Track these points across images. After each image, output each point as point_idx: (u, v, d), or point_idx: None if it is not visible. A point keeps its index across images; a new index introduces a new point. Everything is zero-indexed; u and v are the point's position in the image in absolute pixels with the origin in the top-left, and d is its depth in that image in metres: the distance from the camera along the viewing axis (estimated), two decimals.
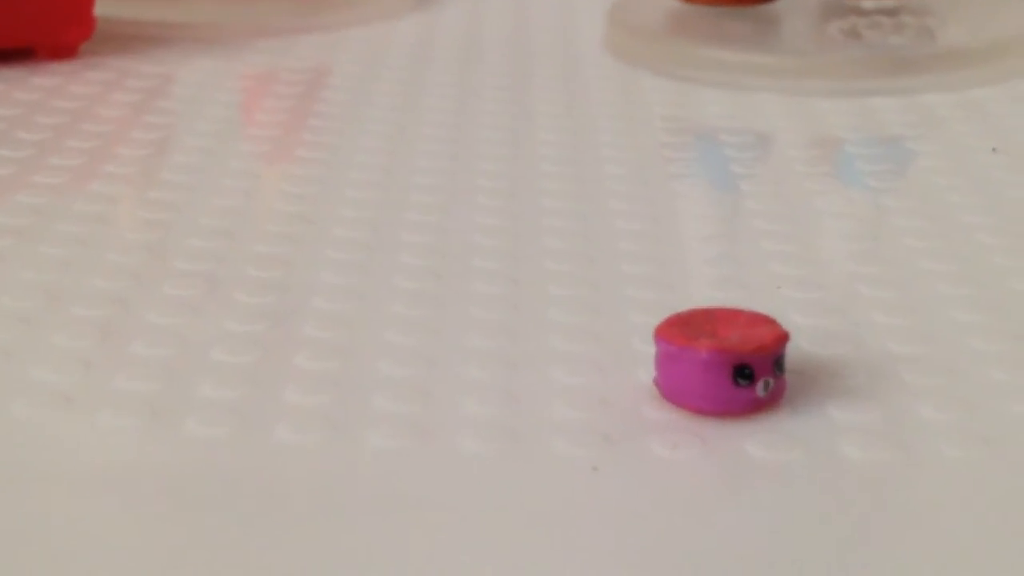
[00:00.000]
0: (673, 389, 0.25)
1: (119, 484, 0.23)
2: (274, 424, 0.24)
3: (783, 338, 0.25)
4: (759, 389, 0.24)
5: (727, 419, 0.24)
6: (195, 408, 0.25)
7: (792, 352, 0.26)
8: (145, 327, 0.28)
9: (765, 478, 0.23)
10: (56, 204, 0.33)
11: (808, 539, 0.22)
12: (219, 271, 0.30)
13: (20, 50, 0.43)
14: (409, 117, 0.39)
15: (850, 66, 0.41)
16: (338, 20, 0.47)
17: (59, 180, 0.35)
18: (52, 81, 0.42)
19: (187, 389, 0.25)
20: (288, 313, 0.28)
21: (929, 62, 0.41)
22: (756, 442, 0.24)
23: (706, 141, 0.38)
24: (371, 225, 0.32)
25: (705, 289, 0.29)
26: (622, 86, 0.42)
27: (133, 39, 0.45)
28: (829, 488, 0.23)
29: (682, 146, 0.38)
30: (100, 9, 0.43)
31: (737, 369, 0.24)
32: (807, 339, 0.27)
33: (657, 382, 0.25)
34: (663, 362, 0.25)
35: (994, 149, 0.37)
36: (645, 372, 0.26)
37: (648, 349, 0.25)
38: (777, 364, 0.24)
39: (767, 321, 0.25)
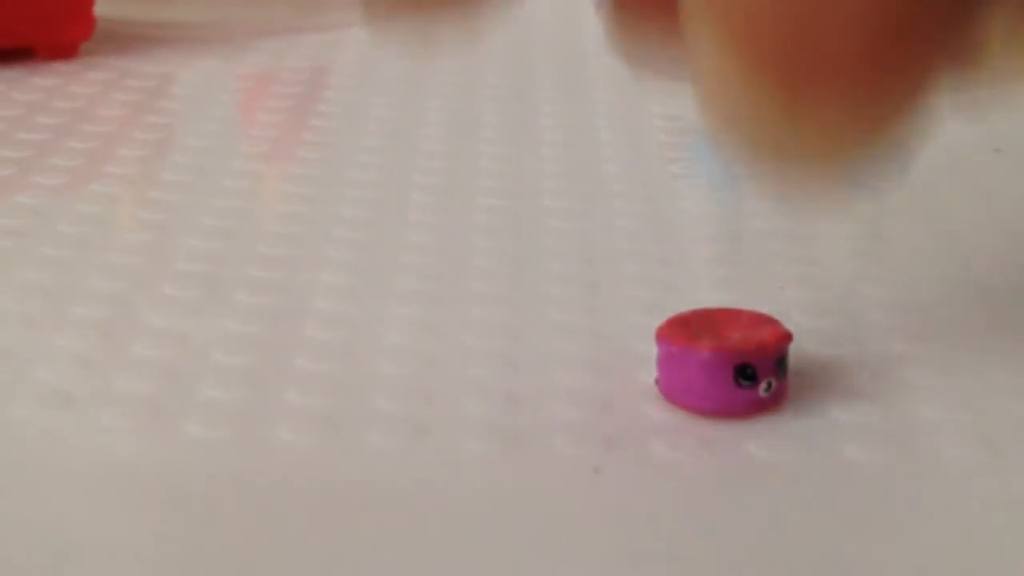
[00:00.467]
0: (674, 390, 0.25)
1: (119, 485, 0.23)
2: (275, 424, 0.24)
3: (786, 338, 0.25)
4: (761, 390, 0.24)
5: (729, 420, 0.24)
6: (196, 409, 0.25)
7: (794, 352, 0.26)
8: (145, 328, 0.28)
9: (766, 478, 0.23)
10: (56, 204, 0.33)
11: (809, 539, 0.22)
12: (219, 271, 0.30)
13: (20, 50, 0.43)
14: (409, 117, 0.39)
15: None
16: (338, 20, 0.47)
17: (59, 180, 0.35)
18: (52, 81, 0.41)
19: (187, 390, 0.25)
20: (289, 313, 0.28)
21: None
22: (758, 443, 0.24)
23: (707, 141, 0.38)
24: (371, 225, 0.32)
25: (706, 289, 0.29)
26: (622, 85, 0.42)
27: (133, 39, 0.45)
28: (831, 488, 0.23)
29: (683, 146, 0.38)
30: (100, 9, 0.43)
31: (738, 369, 0.24)
32: (809, 339, 0.27)
33: (658, 383, 0.25)
34: (664, 363, 0.25)
35: (997, 150, 0.37)
36: (647, 373, 0.26)
37: (649, 350, 0.25)
38: (779, 364, 0.24)
39: (769, 321, 0.25)
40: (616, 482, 0.23)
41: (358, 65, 0.44)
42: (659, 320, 0.25)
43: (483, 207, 0.33)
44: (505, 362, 0.26)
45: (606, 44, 0.26)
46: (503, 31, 0.48)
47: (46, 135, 0.38)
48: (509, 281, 0.29)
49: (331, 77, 0.43)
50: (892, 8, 0.18)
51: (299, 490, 0.23)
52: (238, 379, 0.26)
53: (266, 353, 0.27)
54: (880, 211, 0.34)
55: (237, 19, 0.47)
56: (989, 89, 0.22)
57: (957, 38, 0.21)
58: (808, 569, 0.21)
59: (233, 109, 0.41)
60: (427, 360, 0.26)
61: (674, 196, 0.35)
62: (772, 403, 0.24)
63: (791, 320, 0.28)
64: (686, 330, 0.25)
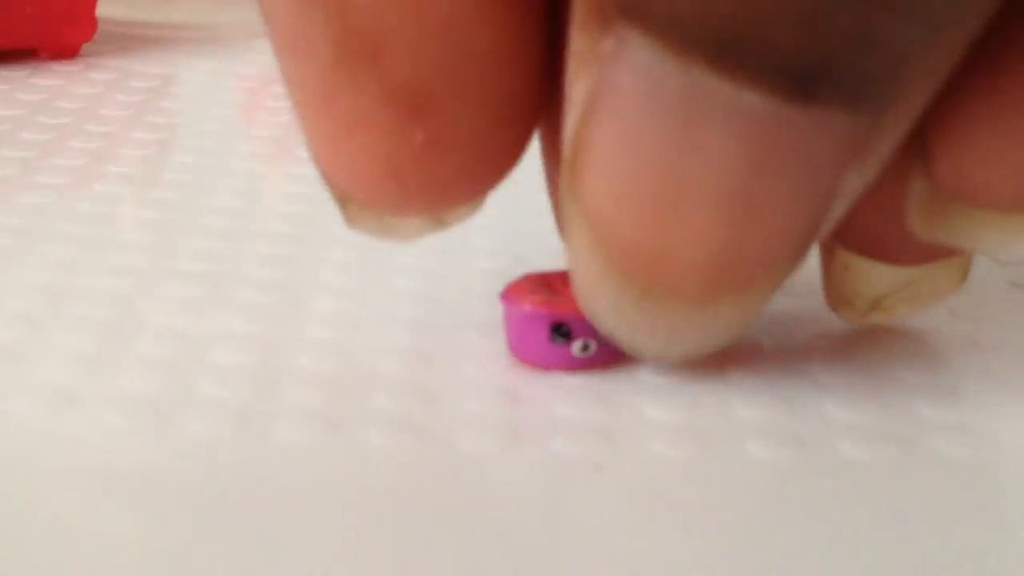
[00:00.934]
0: (510, 344, 0.26)
1: (121, 483, 0.23)
2: (276, 423, 0.24)
3: None
4: (576, 348, 0.25)
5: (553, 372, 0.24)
6: (198, 408, 0.25)
7: (789, 348, 0.26)
8: (148, 327, 0.28)
9: (763, 476, 0.23)
10: (59, 204, 0.33)
11: (805, 537, 0.22)
12: (221, 270, 0.30)
13: (22, 51, 0.43)
14: None
15: None
16: None
17: (62, 180, 0.35)
18: (54, 82, 0.42)
19: (189, 389, 0.26)
20: (290, 312, 0.28)
21: None
22: (755, 441, 0.24)
23: None
24: None
25: None
26: None
27: (135, 40, 0.45)
28: (827, 486, 0.23)
29: None
30: (102, 10, 0.43)
31: (554, 327, 0.25)
32: (805, 335, 0.27)
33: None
34: (505, 316, 0.26)
35: None
36: (645, 370, 0.26)
37: None
38: None
39: None
40: (617, 479, 0.23)
41: None
42: None
43: (483, 207, 0.33)
44: (505, 360, 0.26)
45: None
46: None
47: (48, 135, 0.38)
48: (509, 280, 0.29)
49: None
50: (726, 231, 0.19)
51: (300, 488, 0.23)
52: (240, 378, 0.26)
53: (268, 352, 0.27)
54: None
55: (238, 20, 0.47)
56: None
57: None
58: (803, 565, 0.21)
59: (234, 109, 0.41)
60: (428, 359, 0.27)
61: None
62: (595, 365, 0.26)
63: (786, 316, 0.28)
64: (532, 287, 0.26)
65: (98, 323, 0.28)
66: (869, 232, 0.24)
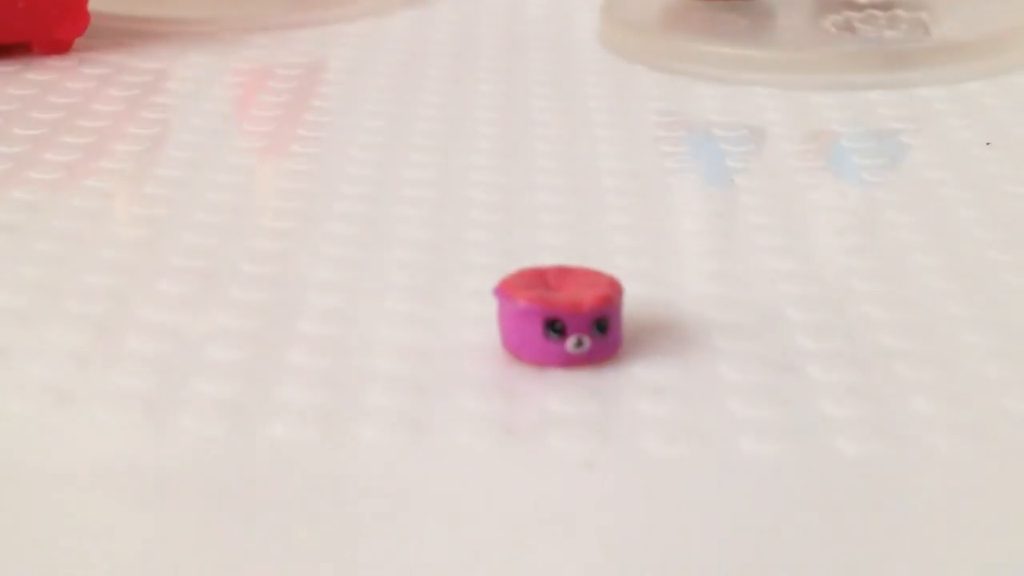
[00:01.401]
0: (504, 339, 0.26)
1: (113, 480, 0.23)
2: (269, 420, 0.24)
3: (605, 300, 0.26)
4: (570, 345, 0.25)
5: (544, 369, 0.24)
6: (190, 404, 0.25)
7: (786, 347, 0.26)
8: (140, 323, 0.28)
9: (757, 472, 0.23)
10: (51, 200, 0.33)
11: (800, 534, 0.22)
12: (214, 266, 0.30)
13: (15, 46, 0.43)
14: (403, 112, 0.39)
15: (844, 60, 0.41)
16: (332, 15, 0.47)
17: (54, 176, 0.35)
18: (46, 77, 0.42)
19: (182, 385, 0.25)
20: (283, 308, 0.28)
21: (923, 56, 0.41)
22: (749, 437, 0.24)
23: (700, 135, 0.38)
24: (366, 220, 0.32)
25: (699, 283, 0.29)
26: (616, 81, 0.42)
27: (127, 34, 0.45)
28: (822, 483, 0.23)
29: (677, 141, 0.38)
30: (94, 4, 0.43)
31: (549, 323, 0.25)
32: (801, 333, 0.27)
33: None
34: (498, 311, 0.26)
35: (988, 143, 0.37)
36: (641, 367, 0.26)
37: (644, 344, 0.25)
38: (598, 324, 0.26)
39: (608, 284, 0.26)
40: (608, 476, 0.23)
41: (352, 60, 0.44)
42: (653, 316, 0.25)
43: (477, 202, 0.33)
44: (499, 357, 0.26)
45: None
46: (497, 24, 0.48)
47: (41, 130, 0.38)
48: (501, 276, 0.29)
49: (325, 72, 0.43)
50: None
51: (293, 484, 0.23)
52: (232, 374, 0.26)
53: (260, 348, 0.27)
54: (872, 206, 0.34)
55: (231, 14, 0.47)
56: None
57: None
58: (797, 562, 0.21)
59: (228, 104, 0.41)
60: (421, 355, 0.27)
61: (669, 190, 0.35)
62: (591, 360, 0.26)
63: (782, 314, 0.28)
64: (526, 282, 0.26)
65: (90, 319, 0.28)
66: None
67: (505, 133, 0.38)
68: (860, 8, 0.44)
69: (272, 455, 0.24)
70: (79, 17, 0.43)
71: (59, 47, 0.43)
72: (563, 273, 0.27)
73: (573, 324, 0.25)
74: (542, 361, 0.26)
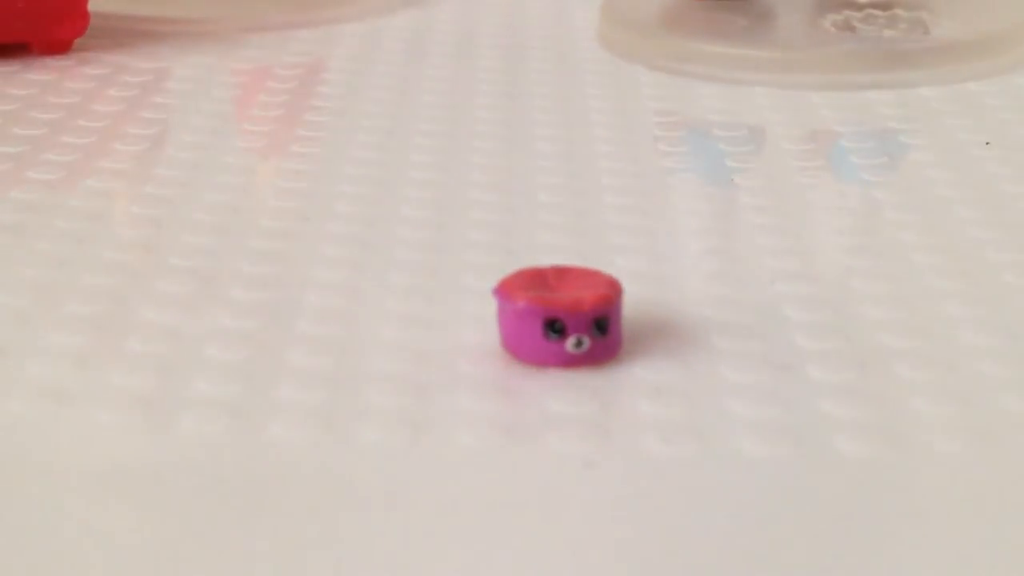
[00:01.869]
0: (504, 339, 0.26)
1: (113, 480, 0.23)
2: (268, 420, 0.24)
3: (605, 300, 0.26)
4: (569, 344, 0.25)
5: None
6: (189, 404, 0.25)
7: (784, 346, 0.26)
8: (140, 323, 0.28)
9: (757, 472, 0.23)
10: (51, 200, 0.33)
11: (800, 534, 0.22)
12: (213, 267, 0.30)
13: (14, 46, 0.43)
14: (403, 112, 0.39)
15: (844, 60, 0.41)
16: (332, 15, 0.47)
17: (54, 176, 0.35)
18: (46, 77, 0.42)
19: (181, 385, 0.25)
20: (282, 308, 0.28)
21: (923, 56, 0.41)
22: (749, 437, 0.24)
23: (700, 135, 0.38)
24: (365, 220, 0.32)
25: (699, 283, 0.29)
26: (616, 80, 0.42)
27: (127, 34, 0.45)
28: (822, 483, 0.23)
29: (676, 140, 0.38)
30: (94, 5, 0.43)
31: (548, 323, 0.25)
32: (800, 333, 0.27)
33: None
34: (498, 312, 0.26)
35: (987, 143, 0.37)
36: (641, 367, 0.26)
37: (644, 344, 0.25)
38: (597, 324, 0.26)
39: (607, 283, 0.26)
40: (608, 476, 0.23)
41: (352, 61, 0.44)
42: (653, 316, 0.25)
43: (477, 202, 0.33)
44: (499, 357, 0.26)
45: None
46: (497, 24, 0.48)
47: (41, 131, 0.38)
48: (500, 276, 0.29)
49: (325, 73, 0.43)
50: None
51: (292, 484, 0.23)
52: (231, 374, 0.26)
53: (259, 348, 0.27)
54: (871, 205, 0.34)
55: (231, 15, 0.47)
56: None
57: None
58: (797, 562, 0.21)
59: (227, 104, 0.41)
60: (421, 355, 0.27)
61: (668, 190, 0.35)
62: (590, 360, 0.26)
63: (782, 314, 0.28)
64: (525, 283, 0.26)
65: (90, 319, 0.28)
66: None
67: (505, 133, 0.38)
68: (860, 8, 0.44)
69: (272, 455, 0.24)
70: (79, 17, 0.43)
71: (59, 47, 0.43)
72: (563, 273, 0.27)
73: (573, 324, 0.25)
74: (542, 361, 0.26)
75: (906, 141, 0.37)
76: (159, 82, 0.42)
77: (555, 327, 0.26)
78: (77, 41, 0.43)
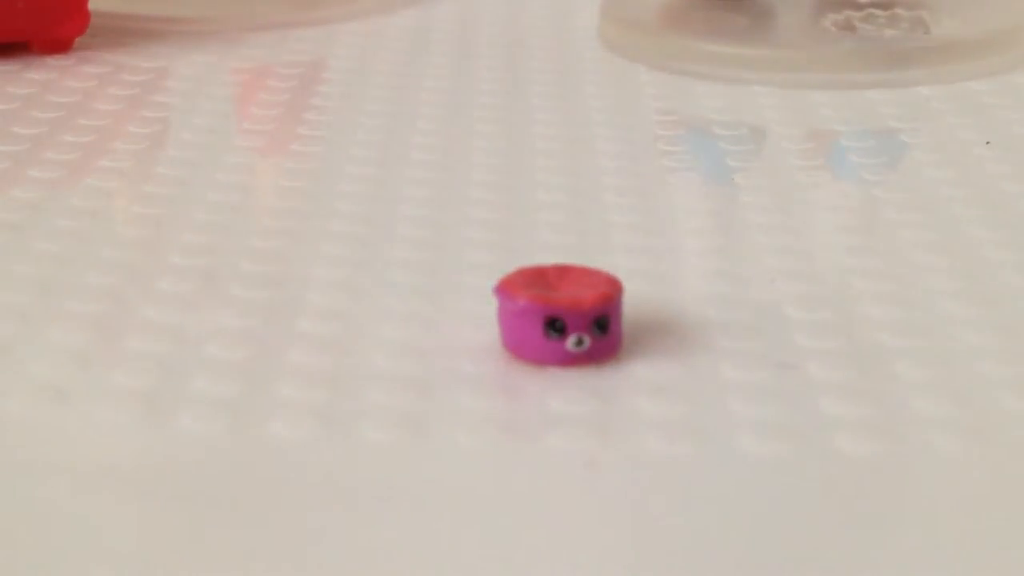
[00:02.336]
0: (504, 337, 0.26)
1: (113, 479, 0.23)
2: (269, 419, 0.24)
3: (605, 299, 0.26)
4: (570, 343, 0.25)
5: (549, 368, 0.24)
6: (190, 403, 0.25)
7: (785, 345, 0.26)
8: (140, 322, 0.28)
9: (758, 471, 0.23)
10: (51, 199, 0.33)
11: (800, 532, 0.22)
12: (214, 265, 0.30)
13: (15, 45, 0.43)
14: (403, 111, 0.39)
15: (844, 59, 0.41)
16: (332, 14, 0.47)
17: (54, 175, 0.35)
18: (47, 76, 0.42)
19: (182, 384, 0.25)
20: (283, 307, 0.28)
21: (923, 55, 0.41)
22: (749, 436, 0.24)
23: (700, 134, 0.38)
24: (366, 219, 0.32)
25: (699, 282, 0.29)
26: (616, 79, 0.42)
27: (128, 33, 0.45)
28: (822, 482, 0.23)
29: (676, 139, 0.38)
30: (94, 4, 0.43)
31: (549, 321, 0.25)
32: (801, 332, 0.27)
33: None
34: (498, 310, 0.26)
35: (988, 142, 0.37)
36: (641, 366, 0.26)
37: (644, 343, 0.25)
38: (598, 323, 0.26)
39: (608, 282, 0.26)
40: (609, 476, 0.23)
41: (352, 60, 0.44)
42: (653, 315, 0.25)
43: (477, 201, 0.33)
44: (499, 356, 0.26)
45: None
46: (497, 24, 0.48)
47: (41, 129, 0.38)
48: (501, 274, 0.29)
49: (325, 71, 0.43)
50: None
51: (293, 483, 0.23)
52: (232, 373, 0.26)
53: (260, 347, 0.27)
54: (871, 205, 0.34)
55: (231, 13, 0.47)
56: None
57: None
58: (797, 561, 0.21)
59: (228, 103, 0.41)
60: (421, 353, 0.27)
61: (668, 189, 0.35)
62: (591, 359, 0.26)
63: (782, 313, 0.28)
64: (526, 281, 0.26)
65: (90, 318, 0.28)
66: None
67: (505, 132, 0.38)
68: (860, 7, 0.44)
69: (272, 454, 0.24)
70: (80, 16, 0.43)
71: (60, 46, 0.43)
72: (563, 272, 0.27)
73: (573, 323, 0.25)
74: (542, 360, 0.26)
75: (906, 141, 0.37)
76: (159, 81, 0.42)
77: (555, 326, 0.26)
78: (78, 40, 0.43)
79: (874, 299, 0.29)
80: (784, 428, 0.24)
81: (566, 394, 0.25)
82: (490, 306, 0.27)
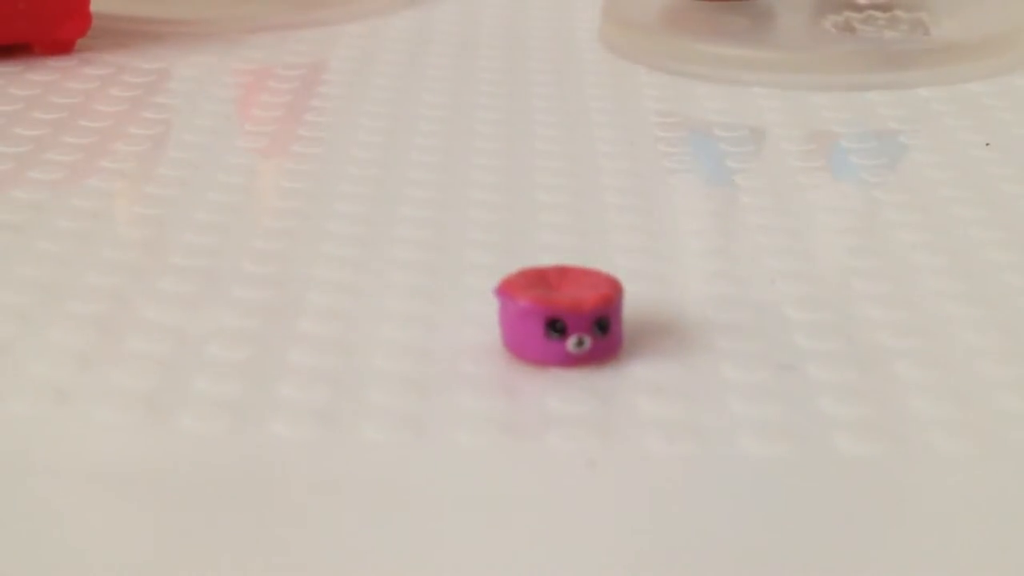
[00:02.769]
0: (505, 338, 0.26)
1: (115, 479, 0.23)
2: (270, 419, 0.24)
3: (606, 300, 0.26)
4: (570, 344, 0.26)
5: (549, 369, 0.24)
6: (191, 403, 0.25)
7: (785, 346, 0.26)
8: (141, 322, 0.28)
9: (758, 472, 0.23)
10: (53, 200, 0.33)
11: (800, 533, 0.22)
12: (215, 266, 0.30)
13: (17, 46, 0.43)
14: (404, 112, 0.39)
15: (844, 60, 0.41)
16: (333, 16, 0.47)
17: (56, 176, 0.35)
18: (48, 77, 0.42)
19: (183, 384, 0.25)
20: (284, 307, 0.28)
21: (923, 56, 0.41)
22: (749, 436, 0.24)
23: (701, 136, 0.38)
24: (367, 220, 0.32)
25: (699, 283, 0.29)
26: (617, 81, 0.42)
27: (129, 35, 0.45)
28: (822, 482, 0.23)
29: (677, 141, 0.38)
30: (96, 5, 0.43)
31: (550, 322, 0.25)
32: (801, 332, 0.27)
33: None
34: (499, 311, 0.26)
35: (988, 144, 0.37)
36: (642, 367, 0.26)
37: (645, 344, 0.26)
38: (598, 324, 0.26)
39: (608, 283, 0.26)
40: (610, 475, 0.23)
41: (353, 61, 0.44)
42: (653, 315, 0.25)
43: (478, 202, 0.33)
44: (500, 356, 0.26)
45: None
46: (497, 24, 0.48)
47: (43, 131, 0.38)
48: (502, 275, 0.29)
49: (327, 73, 0.43)
50: None
51: (294, 484, 0.23)
52: (233, 373, 0.26)
53: (262, 347, 0.27)
54: (872, 206, 0.34)
55: (233, 15, 0.47)
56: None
57: None
58: (797, 561, 0.21)
59: (229, 105, 0.41)
60: (422, 354, 0.27)
61: (669, 191, 0.35)
62: (591, 360, 0.26)
63: (782, 313, 0.28)
64: (527, 282, 0.26)
65: (92, 318, 0.28)
66: None
67: (505, 133, 0.38)
68: (860, 8, 0.44)
69: (273, 454, 0.24)
70: (81, 18, 0.43)
71: (61, 48, 0.43)
72: (564, 273, 0.27)
73: (574, 324, 0.26)
74: (543, 361, 0.26)
75: (906, 142, 0.38)
76: (161, 82, 0.42)
77: (556, 327, 0.26)
78: (79, 41, 0.44)
79: (874, 300, 0.29)
80: (784, 428, 0.24)
81: (567, 394, 0.25)
82: (491, 307, 0.27)
